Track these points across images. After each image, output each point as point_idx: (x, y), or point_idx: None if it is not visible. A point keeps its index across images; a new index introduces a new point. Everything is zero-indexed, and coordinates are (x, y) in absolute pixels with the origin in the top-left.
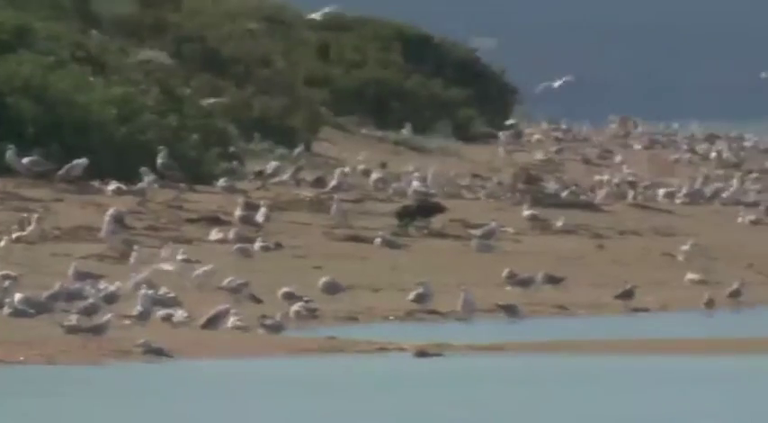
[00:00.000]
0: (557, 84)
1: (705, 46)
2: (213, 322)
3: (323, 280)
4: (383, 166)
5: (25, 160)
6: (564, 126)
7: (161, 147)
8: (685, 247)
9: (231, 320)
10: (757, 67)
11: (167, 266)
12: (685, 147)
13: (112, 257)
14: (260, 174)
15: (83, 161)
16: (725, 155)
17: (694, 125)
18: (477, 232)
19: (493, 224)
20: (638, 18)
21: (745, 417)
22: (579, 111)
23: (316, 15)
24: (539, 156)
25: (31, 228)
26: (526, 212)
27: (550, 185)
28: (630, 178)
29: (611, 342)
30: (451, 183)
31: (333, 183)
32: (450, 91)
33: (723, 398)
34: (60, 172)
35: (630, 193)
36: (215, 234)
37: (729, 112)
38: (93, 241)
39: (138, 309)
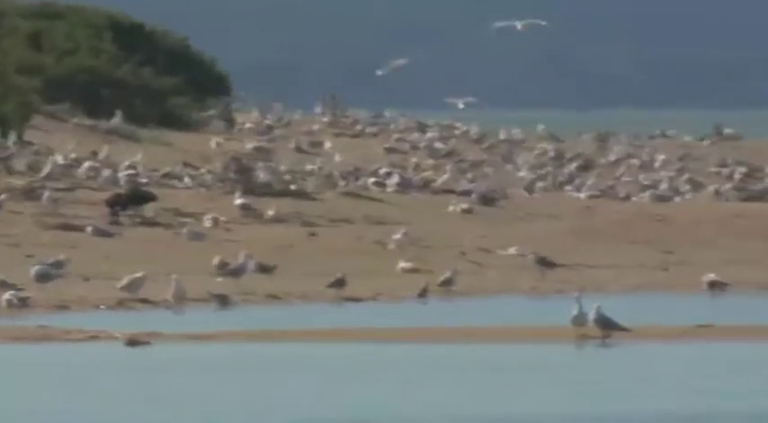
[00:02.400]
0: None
1: (411, 36)
2: None
3: (34, 268)
4: (94, 154)
5: None
6: (275, 114)
7: None
8: (397, 236)
9: None
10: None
11: None
12: (396, 135)
13: None
14: None
15: None
16: (436, 144)
17: (405, 114)
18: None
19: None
20: (351, 7)
21: (449, 403)
22: (290, 98)
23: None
24: (250, 144)
25: None
26: (238, 201)
27: (262, 174)
28: (342, 167)
29: (323, 331)
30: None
31: (45, 171)
32: (161, 79)
33: (431, 385)
34: None
35: (342, 182)
36: None
37: (439, 100)
38: None
39: None
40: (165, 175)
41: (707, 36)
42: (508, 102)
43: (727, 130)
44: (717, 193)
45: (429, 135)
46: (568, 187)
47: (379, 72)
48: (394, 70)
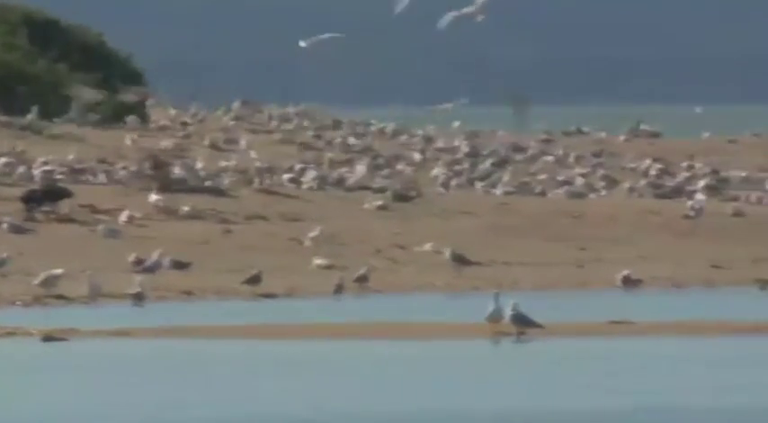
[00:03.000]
0: None
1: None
2: None
3: None
4: (10, 150)
5: None
6: (191, 111)
7: None
8: (312, 233)
9: None
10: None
11: None
12: (311, 132)
13: None
14: None
15: None
16: (350, 140)
17: (319, 109)
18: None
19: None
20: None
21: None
22: (206, 95)
23: None
24: (166, 141)
25: None
26: (153, 198)
27: (177, 171)
28: (257, 164)
29: (238, 327)
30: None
31: None
32: (76, 75)
33: (346, 380)
34: None
35: (257, 179)
36: None
37: (354, 97)
38: None
39: None
40: (80, 172)
41: (609, 35)
42: (423, 99)
43: (643, 127)
44: (631, 189)
45: (343, 131)
46: (484, 184)
47: (302, 43)
48: (316, 45)
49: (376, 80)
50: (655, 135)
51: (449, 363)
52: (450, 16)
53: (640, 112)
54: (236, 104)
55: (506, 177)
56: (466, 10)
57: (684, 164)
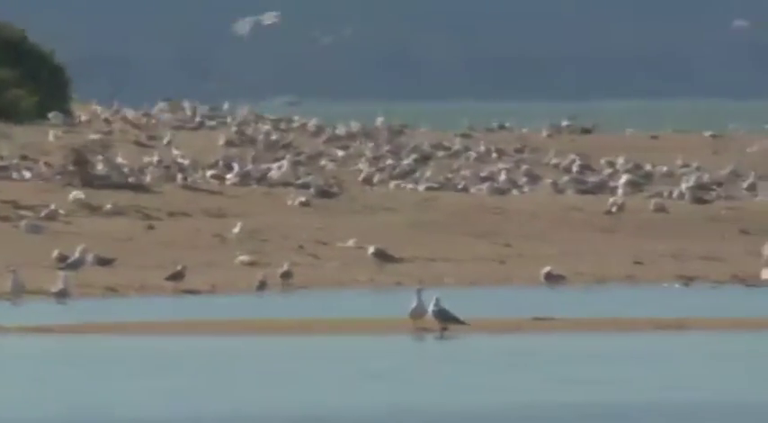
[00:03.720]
0: None
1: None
2: None
3: None
4: None
5: None
6: (114, 106)
7: None
8: (235, 229)
9: None
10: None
11: None
12: (234, 128)
13: None
14: None
15: None
16: (273, 136)
17: (243, 107)
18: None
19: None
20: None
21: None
22: (127, 92)
23: None
24: (89, 137)
25: None
26: (76, 194)
27: (100, 167)
28: (180, 160)
29: (160, 323)
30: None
31: None
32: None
33: (269, 377)
34: None
35: (180, 175)
36: None
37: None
38: None
39: None
40: (3, 168)
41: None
42: (346, 95)
43: (565, 122)
44: (554, 185)
45: (267, 128)
46: (406, 180)
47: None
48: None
49: (299, 76)
50: (586, 131)
51: (370, 359)
52: None
53: (569, 109)
54: (159, 100)
55: (429, 173)
56: None
57: (603, 160)
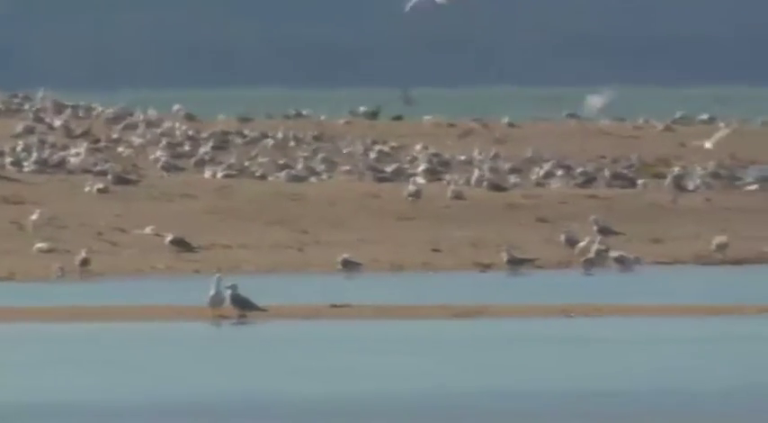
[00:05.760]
0: None
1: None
2: None
3: None
4: None
5: None
6: None
7: None
8: (33, 217)
9: None
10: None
11: None
12: (33, 115)
13: None
14: None
15: None
16: (72, 124)
17: (42, 94)
18: None
19: None
20: None
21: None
22: None
23: None
24: None
25: None
26: None
27: None
28: None
29: None
30: None
31: None
32: None
33: (67, 364)
34: None
35: None
36: None
37: (76, 81)
38: None
39: None
40: None
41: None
42: (142, 81)
43: (363, 109)
44: (351, 172)
45: (66, 115)
46: (204, 167)
47: None
48: None
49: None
50: (398, 118)
51: (169, 346)
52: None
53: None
54: None
55: (227, 160)
56: None
57: (399, 146)
